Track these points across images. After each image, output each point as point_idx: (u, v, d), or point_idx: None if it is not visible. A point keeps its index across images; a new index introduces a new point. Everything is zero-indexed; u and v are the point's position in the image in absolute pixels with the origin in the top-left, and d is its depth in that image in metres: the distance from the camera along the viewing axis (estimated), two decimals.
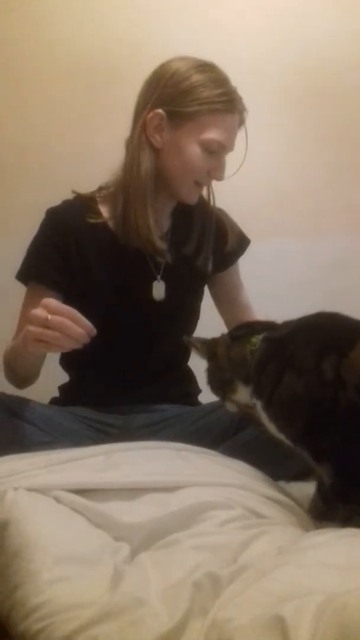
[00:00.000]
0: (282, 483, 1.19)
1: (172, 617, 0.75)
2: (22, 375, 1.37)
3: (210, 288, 1.56)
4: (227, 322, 1.56)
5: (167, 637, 0.73)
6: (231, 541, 0.91)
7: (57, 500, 0.98)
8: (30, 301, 1.39)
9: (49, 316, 1.07)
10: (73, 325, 1.08)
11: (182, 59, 1.33)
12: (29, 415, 1.29)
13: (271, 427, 1.09)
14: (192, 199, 1.40)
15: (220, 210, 1.52)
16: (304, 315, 1.14)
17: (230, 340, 1.19)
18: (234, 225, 1.53)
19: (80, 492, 1.00)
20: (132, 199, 1.34)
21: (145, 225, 1.34)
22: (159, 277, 1.42)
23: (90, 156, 1.71)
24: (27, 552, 0.85)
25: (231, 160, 1.39)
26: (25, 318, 1.33)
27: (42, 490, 0.98)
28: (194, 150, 1.31)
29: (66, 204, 1.43)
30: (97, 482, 1.02)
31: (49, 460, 1.08)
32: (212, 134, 1.30)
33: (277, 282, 2.09)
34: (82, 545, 0.89)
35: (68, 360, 1.49)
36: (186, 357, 1.53)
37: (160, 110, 1.31)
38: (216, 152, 1.32)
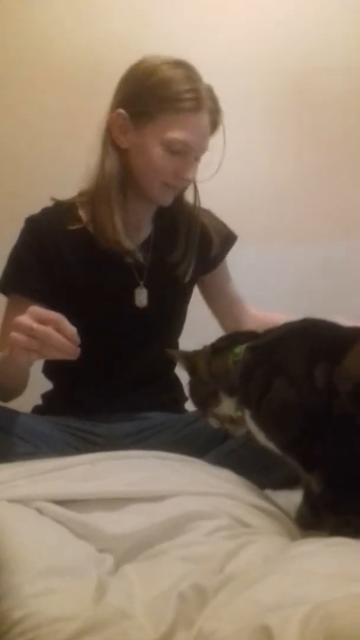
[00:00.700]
0: (268, 491, 1.19)
1: (157, 629, 0.73)
2: (8, 387, 1.35)
3: (199, 287, 1.56)
4: (219, 318, 1.56)
5: None
6: (217, 551, 0.90)
7: (40, 511, 0.96)
8: (12, 312, 1.36)
9: (34, 325, 1.06)
10: (58, 335, 1.06)
11: (152, 57, 1.31)
12: (10, 426, 1.27)
13: (260, 436, 1.08)
14: (163, 201, 1.38)
15: (206, 212, 1.51)
16: (287, 322, 1.13)
17: (211, 352, 1.18)
18: (219, 229, 1.52)
19: (64, 502, 0.98)
20: (97, 201, 1.35)
21: (110, 225, 1.33)
22: (141, 283, 1.41)
23: (80, 161, 1.70)
24: (8, 565, 0.84)
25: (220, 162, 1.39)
26: (8, 329, 1.32)
27: (24, 502, 0.97)
28: (156, 151, 1.30)
29: (45, 212, 1.43)
30: (81, 492, 1.01)
31: (31, 470, 1.07)
32: (174, 134, 1.28)
33: (266, 288, 2.08)
34: (65, 557, 0.87)
35: (51, 368, 1.48)
36: (173, 364, 1.52)
37: (122, 111, 1.31)
38: (181, 153, 1.29)
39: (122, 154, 1.34)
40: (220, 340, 1.21)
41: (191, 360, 1.19)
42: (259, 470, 1.19)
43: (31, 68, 1.91)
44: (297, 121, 2.09)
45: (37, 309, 1.09)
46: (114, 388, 1.41)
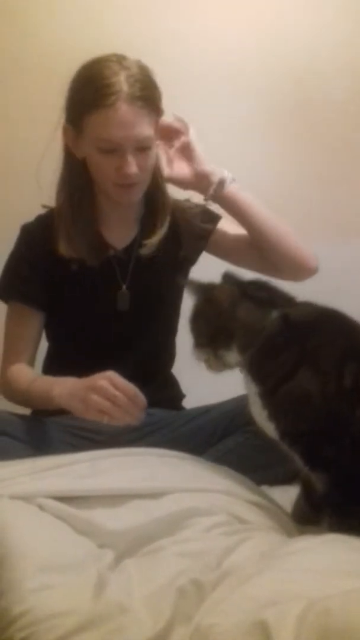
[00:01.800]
0: (265, 488, 1.20)
1: (156, 624, 0.75)
2: (37, 408, 1.42)
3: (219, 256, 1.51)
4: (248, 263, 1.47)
5: None
6: (215, 547, 0.91)
7: (41, 507, 0.97)
8: (14, 320, 1.43)
9: (117, 392, 1.15)
10: (135, 406, 1.16)
11: (85, 62, 1.29)
12: (10, 429, 1.29)
13: (260, 413, 1.04)
14: (125, 200, 1.36)
15: (178, 204, 1.47)
16: (325, 306, 1.06)
17: (240, 295, 1.07)
18: (192, 223, 1.47)
19: (64, 499, 0.99)
20: (59, 217, 1.38)
21: (70, 242, 1.36)
22: (124, 286, 1.42)
23: None
24: (9, 561, 0.85)
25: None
26: (12, 337, 1.43)
27: (25, 498, 0.98)
28: (93, 154, 1.29)
29: (39, 219, 1.44)
30: (81, 489, 1.02)
31: (32, 467, 1.08)
32: (97, 133, 1.25)
33: None
34: (65, 553, 0.89)
35: (51, 369, 1.49)
36: (169, 363, 1.53)
37: (66, 124, 1.32)
38: (114, 150, 1.26)
39: (83, 163, 1.34)
40: (256, 287, 1.10)
41: (211, 292, 1.10)
42: (256, 468, 1.20)
43: (29, 71, 1.91)
44: (295, 125, 2.08)
45: (115, 377, 1.17)
46: None
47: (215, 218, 1.48)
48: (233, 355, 1.08)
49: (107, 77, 1.23)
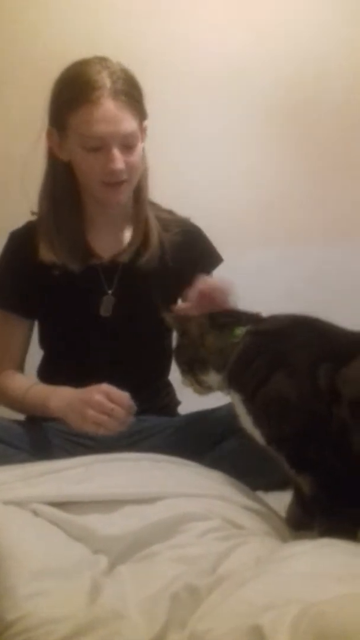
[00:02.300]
0: (260, 493, 1.20)
1: (150, 629, 0.75)
2: (32, 414, 1.42)
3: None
4: None
5: None
6: (210, 552, 0.91)
7: (35, 513, 0.97)
8: (1, 328, 1.45)
9: (113, 406, 1.21)
10: (129, 415, 1.22)
11: (68, 65, 1.30)
12: (3, 435, 1.29)
13: (247, 420, 1.07)
14: (112, 201, 1.35)
15: (193, 226, 1.48)
16: (295, 314, 1.11)
17: (209, 324, 1.15)
18: (198, 246, 1.48)
19: (58, 504, 0.99)
20: (40, 224, 1.39)
21: (52, 249, 1.36)
22: (110, 292, 1.41)
23: None
24: (3, 567, 0.85)
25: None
26: (2, 345, 1.45)
27: (19, 504, 0.97)
28: (79, 154, 1.28)
29: (27, 226, 1.44)
30: (75, 495, 1.01)
31: (26, 472, 1.08)
32: (82, 131, 1.25)
33: (259, 293, 2.08)
34: (59, 558, 0.88)
35: (45, 375, 1.48)
36: (163, 371, 1.52)
37: (50, 127, 1.32)
38: (99, 147, 1.25)
39: (68, 167, 1.34)
40: (221, 315, 1.18)
41: (184, 325, 1.19)
42: (251, 474, 1.20)
43: (27, 71, 1.91)
44: (294, 126, 2.09)
45: (111, 390, 1.23)
46: None
47: (215, 262, 1.49)
48: (213, 377, 1.15)
49: (90, 74, 1.25)
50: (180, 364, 1.22)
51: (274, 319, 1.13)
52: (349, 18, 2.06)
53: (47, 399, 1.31)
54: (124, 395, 1.22)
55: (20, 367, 1.46)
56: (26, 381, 1.42)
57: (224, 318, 1.16)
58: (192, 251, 1.46)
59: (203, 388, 1.19)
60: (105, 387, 1.23)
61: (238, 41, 2.01)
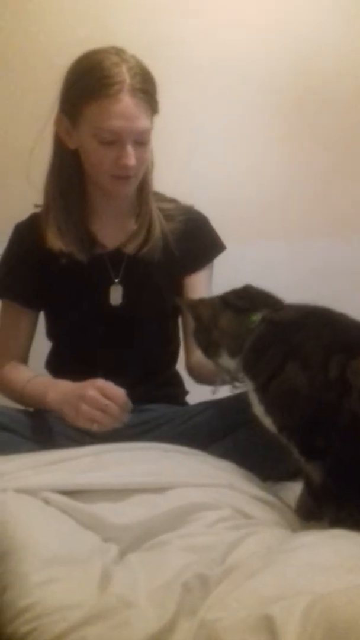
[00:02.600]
0: (269, 483, 1.20)
1: (160, 618, 0.75)
2: (31, 407, 1.41)
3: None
4: (186, 351, 1.48)
5: (155, 638, 0.73)
6: (220, 542, 0.91)
7: (46, 501, 0.97)
8: (7, 318, 1.46)
9: (106, 402, 1.20)
10: (123, 412, 1.21)
11: (83, 53, 1.29)
12: (13, 425, 1.29)
13: (259, 409, 1.08)
14: (119, 193, 1.36)
15: (197, 214, 1.48)
16: (310, 304, 1.11)
17: (221, 306, 1.15)
18: (200, 233, 1.48)
19: (69, 493, 0.99)
20: (46, 212, 1.38)
21: (59, 237, 1.36)
22: (116, 280, 1.41)
23: None
24: (15, 554, 0.85)
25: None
26: (4, 335, 1.45)
27: (30, 492, 0.98)
28: (91, 145, 1.28)
29: (31, 218, 1.44)
30: (85, 483, 1.02)
31: (37, 461, 1.08)
32: (98, 124, 1.24)
33: (264, 286, 2.08)
34: (70, 546, 0.89)
35: (53, 364, 1.49)
36: (172, 360, 1.52)
37: (61, 114, 1.31)
38: (114, 141, 1.25)
39: (75, 155, 1.33)
40: (236, 296, 1.17)
41: (196, 308, 1.19)
42: (261, 464, 1.20)
43: (19, 66, 1.91)
44: (299, 121, 2.08)
45: (106, 386, 1.21)
46: (113, 381, 1.42)
47: (218, 250, 1.49)
48: (227, 361, 1.15)
49: (108, 68, 1.23)
50: (200, 346, 1.21)
51: (289, 308, 1.12)
52: (355, 12, 2.04)
53: (45, 392, 1.31)
54: (119, 392, 1.21)
55: (24, 359, 1.46)
56: (28, 373, 1.42)
57: (238, 300, 1.15)
58: (196, 239, 1.46)
59: (223, 373, 1.18)
60: (100, 382, 1.22)
61: (242, 37, 2.00)
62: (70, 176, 1.36)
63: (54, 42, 1.86)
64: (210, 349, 1.16)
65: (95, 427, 1.21)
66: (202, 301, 1.20)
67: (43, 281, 1.41)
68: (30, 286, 1.41)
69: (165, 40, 1.90)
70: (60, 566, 0.84)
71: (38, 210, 1.42)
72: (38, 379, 1.39)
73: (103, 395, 1.20)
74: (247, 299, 1.16)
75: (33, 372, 1.43)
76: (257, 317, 1.10)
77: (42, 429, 1.33)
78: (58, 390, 1.29)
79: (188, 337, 1.44)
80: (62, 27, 1.89)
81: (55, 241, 1.36)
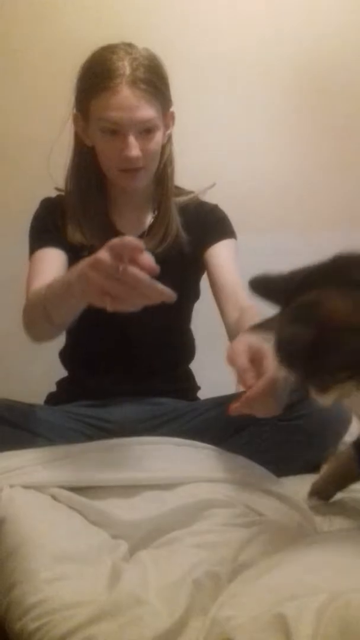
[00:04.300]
0: (282, 478, 1.18)
1: (171, 616, 0.74)
2: (57, 322, 1.17)
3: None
4: (222, 313, 1.41)
5: (166, 635, 0.72)
6: (231, 539, 0.90)
7: (54, 497, 0.96)
8: (35, 263, 1.37)
9: (121, 266, 0.86)
10: (149, 280, 0.87)
11: (92, 51, 1.29)
12: (23, 421, 1.28)
13: None
14: (130, 187, 1.36)
15: (209, 205, 1.48)
16: None
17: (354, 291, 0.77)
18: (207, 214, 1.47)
19: (78, 489, 0.98)
20: (66, 204, 1.39)
21: (78, 229, 1.36)
22: None
23: None
24: (23, 551, 0.84)
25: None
26: (34, 280, 1.30)
27: (39, 488, 0.97)
28: (98, 138, 1.29)
29: (59, 197, 1.45)
30: (94, 479, 1.01)
31: (45, 457, 1.07)
32: (99, 114, 1.26)
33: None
34: (80, 543, 0.88)
35: (66, 355, 1.49)
36: (185, 357, 1.52)
37: (75, 111, 1.32)
38: (116, 132, 1.26)
39: (93, 153, 1.34)
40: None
41: (316, 314, 0.78)
42: (273, 461, 1.18)
43: (41, 61, 1.91)
44: (314, 111, 2.06)
45: (115, 242, 0.88)
46: (125, 375, 1.41)
47: (226, 236, 1.46)
48: None
49: (111, 62, 1.25)
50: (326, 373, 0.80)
51: None
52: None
53: (69, 272, 1.05)
54: (135, 244, 0.88)
55: None
56: None
57: None
58: (204, 227, 1.45)
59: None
60: (114, 241, 0.89)
61: (257, 22, 1.98)
62: (89, 172, 1.37)
63: (75, 36, 1.86)
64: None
65: (109, 304, 0.90)
66: (314, 301, 0.79)
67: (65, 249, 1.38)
68: (59, 236, 1.38)
69: (182, 26, 1.90)
70: (69, 563, 0.83)
71: (61, 193, 1.43)
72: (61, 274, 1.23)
73: (114, 255, 0.88)
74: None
75: None
76: None
77: (52, 425, 1.32)
78: (77, 267, 0.99)
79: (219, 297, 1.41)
80: (81, 20, 1.89)
81: (75, 234, 1.36)
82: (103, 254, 0.90)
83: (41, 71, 1.92)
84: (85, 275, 0.92)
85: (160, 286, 0.89)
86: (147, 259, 0.88)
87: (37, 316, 1.18)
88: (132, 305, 0.90)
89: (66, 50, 1.77)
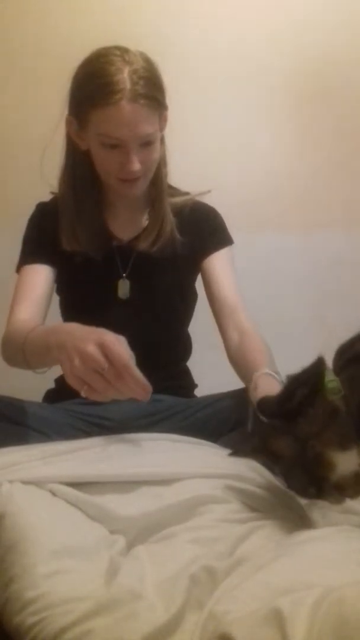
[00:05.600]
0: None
1: (168, 610, 0.74)
2: (35, 367, 1.26)
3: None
4: (221, 333, 1.41)
5: (163, 630, 0.72)
6: (228, 535, 0.90)
7: (53, 493, 0.97)
8: (22, 280, 1.40)
9: (105, 366, 0.96)
10: (130, 384, 0.98)
11: (88, 55, 1.28)
12: (21, 418, 1.29)
13: None
14: (129, 193, 1.36)
15: (205, 206, 1.49)
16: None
17: (284, 418, 0.88)
18: (206, 218, 1.48)
19: (76, 484, 0.99)
20: (61, 208, 1.39)
21: (71, 234, 1.37)
22: (124, 275, 1.41)
23: None
24: (22, 546, 0.85)
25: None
26: (20, 298, 1.36)
27: (37, 483, 0.97)
28: (96, 149, 1.29)
29: (53, 201, 1.45)
30: (93, 475, 1.01)
31: (44, 452, 1.07)
32: (101, 129, 1.24)
33: (275, 277, 2.08)
34: (78, 538, 0.88)
35: None
36: (181, 355, 1.53)
37: (69, 116, 1.32)
38: (117, 146, 1.26)
39: (87, 155, 1.34)
40: (287, 395, 0.91)
41: (259, 450, 0.96)
42: None
43: (33, 61, 1.91)
44: (314, 111, 2.06)
45: (109, 341, 0.97)
46: None
47: (223, 242, 1.46)
48: (347, 460, 0.89)
49: (110, 74, 1.22)
50: (301, 493, 0.94)
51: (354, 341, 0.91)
52: None
53: (51, 332, 1.12)
54: (122, 355, 0.98)
55: (39, 321, 1.36)
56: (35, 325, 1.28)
57: (301, 389, 0.88)
58: (200, 233, 1.45)
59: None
60: (107, 337, 0.99)
61: (259, 21, 1.98)
62: (82, 173, 1.37)
63: (69, 37, 1.87)
64: (319, 467, 0.86)
65: (84, 392, 0.99)
66: (266, 432, 0.91)
67: (58, 257, 1.41)
68: (49, 247, 1.40)
69: (182, 24, 1.91)
70: (67, 558, 0.83)
71: (56, 196, 1.44)
72: (45, 326, 1.28)
73: (105, 355, 0.97)
74: (303, 380, 0.89)
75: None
76: (334, 380, 0.87)
77: (50, 420, 1.33)
78: (64, 331, 1.08)
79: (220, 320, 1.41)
80: (76, 22, 1.90)
81: (69, 242, 1.38)
82: (92, 349, 0.97)
83: (36, 72, 1.92)
84: (71, 359, 0.98)
85: (139, 384, 0.99)
86: (140, 377, 0.99)
87: (15, 355, 1.25)
88: (105, 397, 1.00)
89: (62, 51, 1.78)
